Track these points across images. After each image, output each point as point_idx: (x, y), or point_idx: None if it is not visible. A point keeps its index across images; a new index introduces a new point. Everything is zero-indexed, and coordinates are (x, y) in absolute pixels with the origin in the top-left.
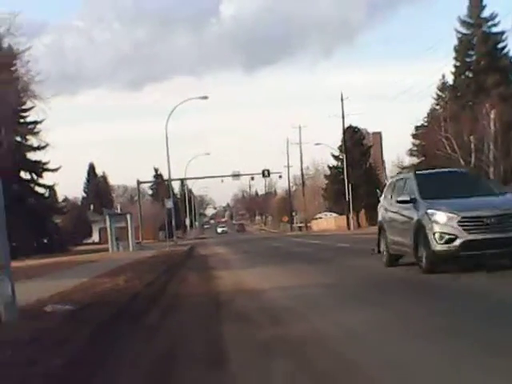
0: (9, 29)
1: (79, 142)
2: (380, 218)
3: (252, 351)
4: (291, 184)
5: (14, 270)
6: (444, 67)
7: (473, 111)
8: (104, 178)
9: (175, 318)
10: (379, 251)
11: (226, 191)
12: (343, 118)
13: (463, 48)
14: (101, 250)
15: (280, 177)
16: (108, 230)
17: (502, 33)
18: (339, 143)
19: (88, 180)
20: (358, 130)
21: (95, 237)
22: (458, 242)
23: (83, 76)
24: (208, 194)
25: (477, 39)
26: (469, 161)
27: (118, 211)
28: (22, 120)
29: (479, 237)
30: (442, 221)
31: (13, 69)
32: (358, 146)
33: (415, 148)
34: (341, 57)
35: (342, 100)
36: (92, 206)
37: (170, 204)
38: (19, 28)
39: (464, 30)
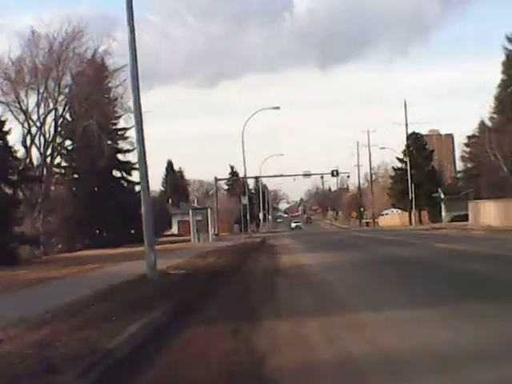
0: (107, 49)
1: (156, 137)
2: None
3: (289, 286)
4: (362, 182)
5: (125, 254)
6: None
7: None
8: (181, 173)
9: (249, 276)
10: None
11: (300, 186)
12: (406, 125)
13: (510, 64)
14: (182, 240)
15: (348, 176)
16: (190, 222)
17: None
18: (404, 146)
19: (166, 175)
20: (421, 136)
21: (174, 229)
22: None
23: (157, 72)
24: (282, 189)
25: None
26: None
27: (195, 205)
28: (113, 127)
29: None
30: None
31: (110, 85)
32: (420, 150)
33: (467, 155)
34: (415, 55)
35: (405, 107)
36: (170, 200)
37: (245, 200)
38: (116, 49)
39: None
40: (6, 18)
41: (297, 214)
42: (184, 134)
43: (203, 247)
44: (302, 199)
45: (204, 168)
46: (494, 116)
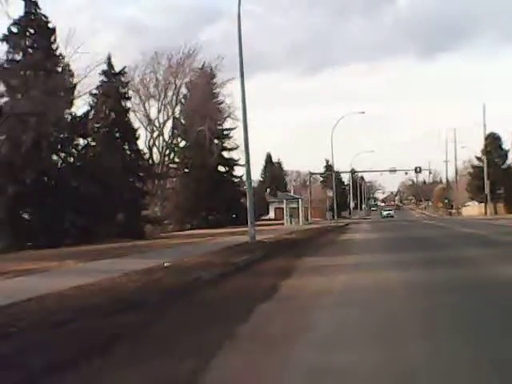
0: (217, 65)
1: (257, 124)
2: None
3: (330, 248)
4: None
5: (229, 232)
6: None
7: None
8: (279, 164)
9: (314, 243)
10: None
11: (396, 177)
12: (484, 126)
13: None
14: (277, 223)
15: (430, 173)
16: (284, 209)
17: None
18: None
19: (265, 167)
20: (498, 136)
21: (271, 214)
22: None
23: (260, 60)
24: (378, 180)
25: None
26: None
27: (292, 194)
28: (219, 127)
29: None
30: None
31: (220, 96)
32: (497, 150)
33: None
34: None
35: (483, 110)
36: (268, 189)
37: (330, 193)
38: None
39: None
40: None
41: (392, 203)
42: (285, 122)
43: (292, 229)
44: (398, 190)
45: (303, 158)
46: None
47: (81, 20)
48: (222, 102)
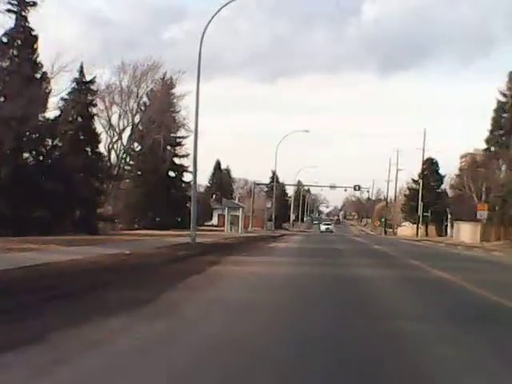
0: (176, 79)
1: (208, 132)
2: None
3: (255, 250)
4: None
5: (174, 234)
6: None
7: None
8: (228, 171)
9: (243, 247)
10: None
11: (343, 192)
12: (423, 151)
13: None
14: (218, 230)
15: (368, 191)
16: (226, 216)
17: None
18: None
19: (213, 173)
20: (436, 161)
21: (214, 220)
22: None
23: (219, 64)
24: (323, 194)
25: (508, 107)
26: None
27: (236, 202)
28: (173, 135)
29: None
30: None
31: (177, 107)
32: (433, 174)
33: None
34: (476, 70)
35: (424, 135)
36: (214, 196)
37: (269, 204)
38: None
39: (501, 99)
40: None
41: (335, 218)
42: (237, 129)
43: (231, 235)
44: (344, 205)
45: (252, 166)
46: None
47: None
48: (178, 111)
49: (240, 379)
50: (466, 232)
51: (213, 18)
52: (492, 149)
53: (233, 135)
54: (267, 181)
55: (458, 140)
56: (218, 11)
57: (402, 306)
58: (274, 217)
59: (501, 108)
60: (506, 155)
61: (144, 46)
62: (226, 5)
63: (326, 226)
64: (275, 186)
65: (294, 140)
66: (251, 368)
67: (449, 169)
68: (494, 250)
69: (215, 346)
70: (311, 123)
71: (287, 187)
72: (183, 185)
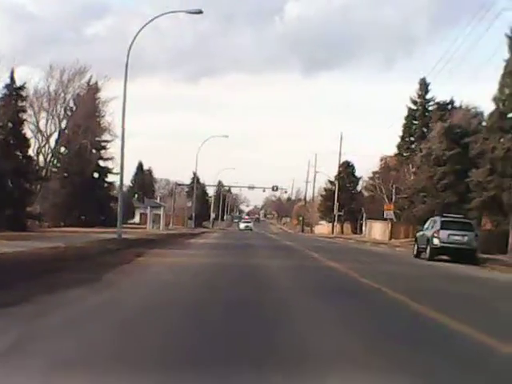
0: (102, 84)
1: (131, 130)
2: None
3: (175, 243)
4: (315, 195)
5: (99, 231)
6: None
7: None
8: (149, 171)
9: (163, 241)
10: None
11: (262, 192)
12: (340, 155)
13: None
14: (141, 228)
15: (285, 192)
16: (148, 215)
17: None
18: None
19: (136, 173)
20: (352, 164)
21: (136, 219)
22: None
23: (143, 63)
24: (243, 194)
25: (419, 114)
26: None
27: (158, 202)
28: (98, 138)
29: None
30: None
31: (102, 113)
32: (349, 176)
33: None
34: (400, 69)
35: (340, 139)
36: (136, 195)
37: (189, 204)
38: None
39: (412, 106)
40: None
41: (255, 216)
42: (161, 129)
43: (153, 232)
44: (264, 204)
45: (174, 166)
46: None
47: None
48: (103, 116)
49: (165, 322)
50: (377, 230)
51: (143, 28)
52: (404, 154)
53: (156, 136)
54: (189, 181)
55: (378, 142)
56: (151, 21)
57: (286, 282)
58: (194, 215)
59: (411, 115)
60: (414, 161)
61: (66, 42)
62: (154, 18)
63: (246, 224)
64: (195, 186)
65: (215, 141)
66: (173, 314)
67: (368, 170)
68: (398, 246)
69: (147, 306)
70: (234, 123)
71: (208, 187)
72: (106, 185)
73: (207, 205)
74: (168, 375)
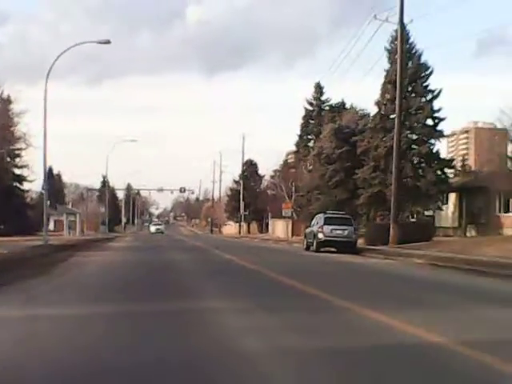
0: (15, 97)
1: (38, 135)
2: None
3: (101, 247)
4: (222, 195)
5: (23, 240)
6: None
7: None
8: (59, 176)
9: (90, 246)
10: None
11: (170, 194)
12: (243, 153)
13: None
14: (58, 234)
15: (192, 193)
16: (64, 221)
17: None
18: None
19: (48, 178)
20: (255, 163)
21: (51, 226)
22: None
23: (46, 67)
24: (153, 196)
25: (315, 114)
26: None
27: (70, 208)
28: (11, 147)
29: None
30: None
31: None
32: (253, 175)
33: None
34: (301, 69)
35: (243, 139)
36: (49, 202)
37: (103, 209)
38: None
39: (309, 107)
40: None
41: (165, 219)
42: (68, 133)
43: (72, 238)
44: (173, 206)
45: (83, 169)
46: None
47: None
48: (17, 125)
49: (114, 286)
50: (279, 228)
51: (62, 54)
52: (302, 152)
53: (63, 140)
54: (98, 184)
55: (281, 140)
56: (68, 49)
57: (189, 268)
58: (107, 221)
59: (308, 115)
60: (308, 160)
61: None
62: (72, 47)
63: (157, 227)
64: (107, 192)
65: (122, 145)
66: (117, 281)
67: (269, 169)
68: (297, 242)
69: (91, 286)
70: (140, 125)
71: (118, 191)
72: (19, 193)
73: (118, 209)
74: (123, 302)
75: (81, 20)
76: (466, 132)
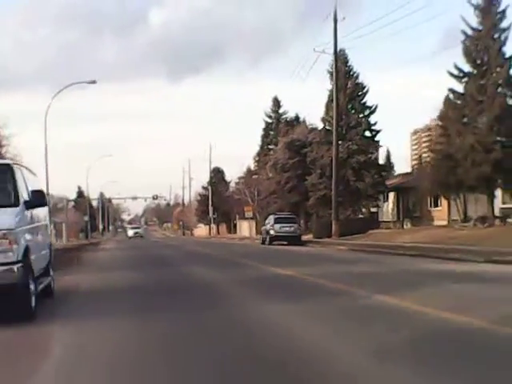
0: None
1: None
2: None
3: (100, 248)
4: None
5: None
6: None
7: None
8: None
9: (89, 248)
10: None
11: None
12: (210, 162)
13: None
14: None
15: (165, 200)
16: (52, 230)
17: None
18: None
19: None
20: (222, 170)
21: None
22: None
23: (8, 78)
24: (124, 203)
25: (274, 126)
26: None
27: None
28: None
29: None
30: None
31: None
32: (220, 181)
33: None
34: (268, 68)
35: (210, 148)
36: None
37: (86, 218)
38: None
39: (268, 120)
40: None
41: (136, 224)
42: (38, 144)
43: (63, 244)
44: (144, 212)
45: (58, 179)
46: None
47: None
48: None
49: (130, 267)
50: (245, 228)
51: (57, 94)
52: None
53: (32, 151)
54: (72, 194)
55: (248, 145)
56: (60, 91)
57: (173, 256)
58: (89, 228)
59: (268, 127)
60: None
61: None
62: (62, 89)
63: (135, 231)
64: (88, 202)
65: (95, 154)
66: (131, 264)
67: (235, 176)
68: (258, 239)
69: (119, 265)
70: (107, 133)
71: (92, 198)
72: None
73: (93, 217)
74: (144, 267)
75: (41, 28)
76: (429, 130)
